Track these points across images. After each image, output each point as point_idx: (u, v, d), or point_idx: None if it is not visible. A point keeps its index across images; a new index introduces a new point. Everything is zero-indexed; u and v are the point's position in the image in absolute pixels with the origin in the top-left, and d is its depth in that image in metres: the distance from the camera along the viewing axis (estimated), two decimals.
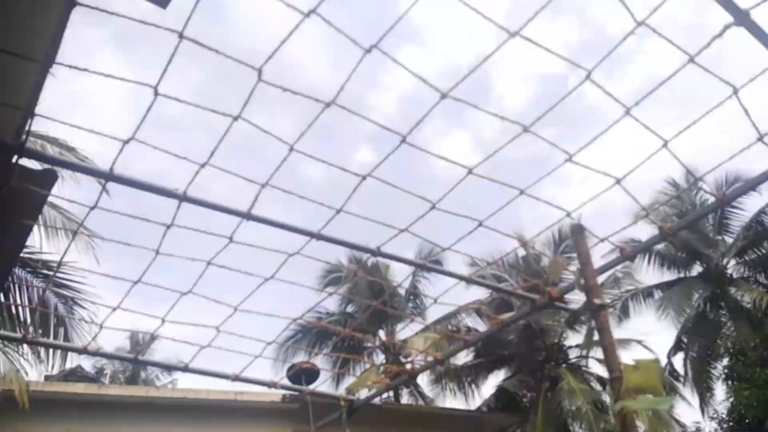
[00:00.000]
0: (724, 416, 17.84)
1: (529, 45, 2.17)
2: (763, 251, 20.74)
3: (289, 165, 2.60)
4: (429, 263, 4.53)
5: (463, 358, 20.70)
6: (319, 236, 3.01)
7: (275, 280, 3.21)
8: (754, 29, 2.19)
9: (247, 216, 2.75)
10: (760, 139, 2.65)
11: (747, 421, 15.99)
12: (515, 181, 2.93)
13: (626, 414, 2.78)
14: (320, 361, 20.60)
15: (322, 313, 21.09)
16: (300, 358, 19.35)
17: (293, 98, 2.19)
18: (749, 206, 20.58)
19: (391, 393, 18.93)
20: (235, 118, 2.16)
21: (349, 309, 21.82)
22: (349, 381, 19.18)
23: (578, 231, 3.41)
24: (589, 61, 2.38)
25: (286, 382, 5.46)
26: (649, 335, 22.39)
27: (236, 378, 4.15)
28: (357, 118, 2.46)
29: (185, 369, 4.05)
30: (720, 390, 19.35)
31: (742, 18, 2.12)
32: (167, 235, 2.77)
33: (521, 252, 20.64)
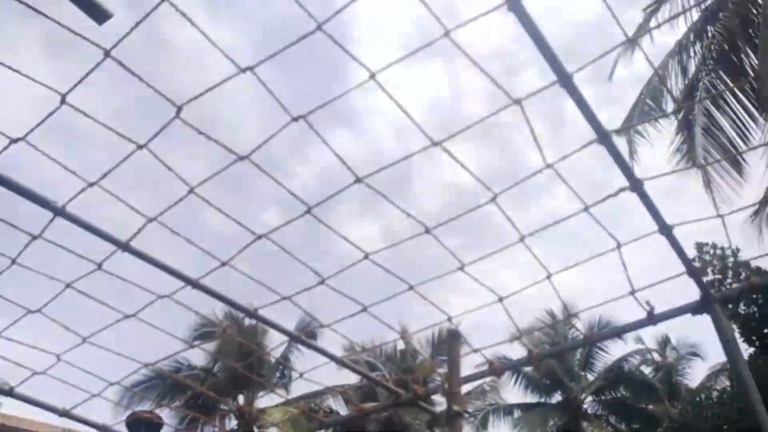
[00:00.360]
0: None
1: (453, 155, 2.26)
2: (618, 395, 22.08)
3: (192, 208, 2.50)
4: (304, 336, 4.40)
5: None
6: (196, 284, 2.87)
7: (139, 320, 3.00)
8: (645, 198, 2.42)
9: (124, 246, 2.58)
10: (632, 293, 2.91)
11: None
12: (411, 275, 2.98)
13: None
14: (167, 415, 19.18)
15: (182, 365, 19.87)
16: (147, 406, 17.99)
17: (215, 145, 2.14)
18: (614, 350, 22.17)
19: None
20: (140, 147, 2.07)
21: (216, 367, 20.68)
22: None
23: (454, 337, 3.46)
24: (500, 184, 2.51)
25: (123, 429, 5.02)
26: None
27: (65, 413, 3.76)
28: (275, 179, 2.43)
29: (8, 392, 3.63)
30: None
31: (637, 186, 2.34)
32: (40, 247, 2.55)
33: (400, 345, 20.76)
